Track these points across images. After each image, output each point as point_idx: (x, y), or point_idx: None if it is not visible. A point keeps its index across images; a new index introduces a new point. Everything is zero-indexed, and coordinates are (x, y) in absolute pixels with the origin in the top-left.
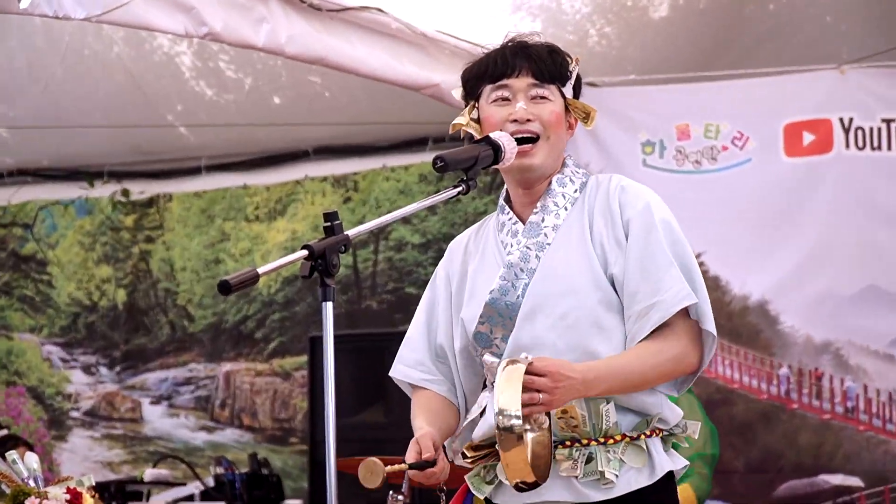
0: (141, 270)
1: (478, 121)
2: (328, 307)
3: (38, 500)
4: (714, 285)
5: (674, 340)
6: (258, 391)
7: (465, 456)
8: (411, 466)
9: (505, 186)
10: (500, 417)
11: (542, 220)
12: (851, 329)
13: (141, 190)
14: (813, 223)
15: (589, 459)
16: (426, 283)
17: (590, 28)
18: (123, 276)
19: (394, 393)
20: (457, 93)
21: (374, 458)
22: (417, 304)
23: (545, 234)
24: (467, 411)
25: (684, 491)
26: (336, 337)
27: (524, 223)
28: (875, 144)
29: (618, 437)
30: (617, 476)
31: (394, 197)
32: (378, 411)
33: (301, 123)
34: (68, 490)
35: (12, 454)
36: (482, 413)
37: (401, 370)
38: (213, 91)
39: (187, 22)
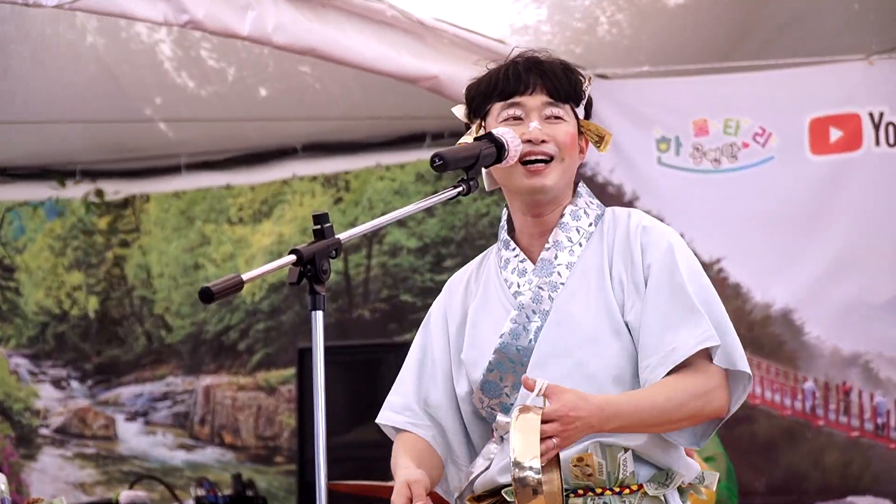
0: (115, 277)
1: None
2: (318, 316)
3: None
4: (734, 293)
5: (698, 377)
6: (241, 407)
7: None
8: None
9: (505, 217)
10: (516, 470)
11: (556, 258)
12: (882, 340)
13: (116, 190)
14: (840, 226)
15: None
16: (422, 290)
17: (599, 15)
18: (96, 283)
19: None
20: (459, 111)
21: None
22: (413, 313)
23: (558, 273)
24: (453, 462)
25: None
26: (325, 349)
27: (532, 260)
28: None
29: (634, 487)
30: None
31: (388, 197)
32: (370, 429)
33: (289, 118)
34: None
35: None
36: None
37: (387, 416)
38: (195, 83)
39: (167, 9)
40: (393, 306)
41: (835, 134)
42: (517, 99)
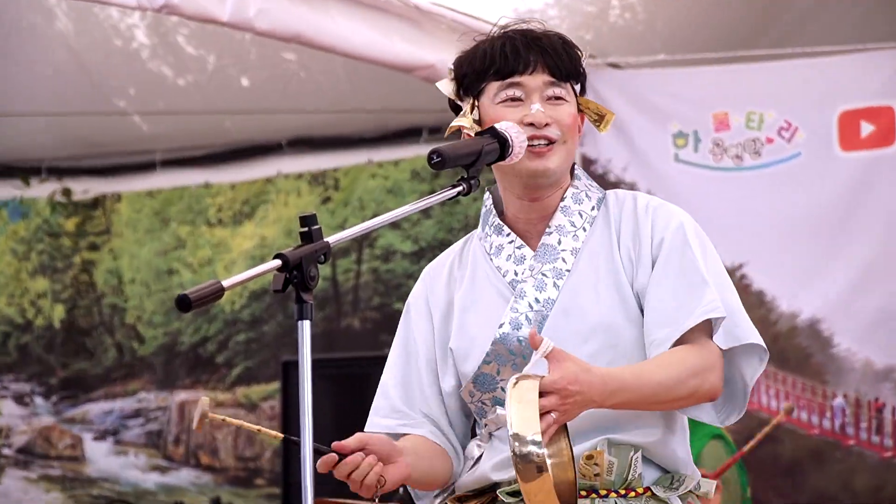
0: (83, 283)
1: (479, 123)
2: (305, 326)
3: None
4: (757, 302)
5: (699, 353)
6: (219, 425)
7: None
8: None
9: (489, 201)
10: (517, 444)
11: (559, 243)
12: None
13: (84, 189)
14: (872, 229)
15: None
16: None
17: None
18: (62, 290)
19: None
20: (445, 86)
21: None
22: None
23: (563, 259)
24: (464, 448)
25: None
26: (311, 361)
27: (531, 246)
28: None
29: (640, 490)
30: None
31: (381, 197)
32: None
33: (273, 111)
34: None
35: None
36: (475, 463)
37: (375, 423)
38: (171, 72)
39: None
40: (385, 315)
41: (866, 128)
42: (517, 79)
